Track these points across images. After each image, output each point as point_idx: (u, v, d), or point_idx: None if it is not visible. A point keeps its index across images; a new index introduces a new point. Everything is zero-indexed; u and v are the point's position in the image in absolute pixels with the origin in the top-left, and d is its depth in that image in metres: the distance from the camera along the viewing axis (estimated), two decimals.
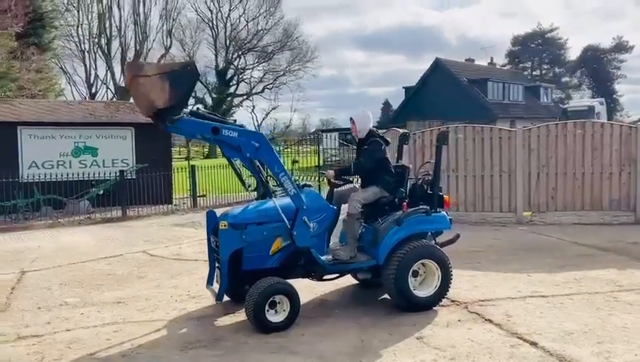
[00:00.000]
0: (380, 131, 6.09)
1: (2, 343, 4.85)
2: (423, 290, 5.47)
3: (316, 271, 5.45)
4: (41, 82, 18.37)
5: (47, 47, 19.42)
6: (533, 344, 4.50)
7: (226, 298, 5.39)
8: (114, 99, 32.19)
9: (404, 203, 5.52)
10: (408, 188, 5.89)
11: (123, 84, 45.21)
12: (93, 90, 46.85)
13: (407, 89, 41.59)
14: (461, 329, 4.91)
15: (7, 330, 5.18)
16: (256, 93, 51.77)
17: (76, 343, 4.77)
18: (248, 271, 5.15)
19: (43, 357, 4.48)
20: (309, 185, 5.72)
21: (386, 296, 5.61)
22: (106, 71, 46.73)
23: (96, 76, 47.18)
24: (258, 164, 5.42)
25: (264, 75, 51.16)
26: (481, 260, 7.53)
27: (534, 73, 60.54)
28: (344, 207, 5.67)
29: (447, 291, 5.54)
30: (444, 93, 35.23)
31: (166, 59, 48.48)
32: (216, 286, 5.26)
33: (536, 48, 60.68)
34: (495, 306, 5.51)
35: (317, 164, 16.87)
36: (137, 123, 15.42)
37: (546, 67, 62.22)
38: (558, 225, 10.21)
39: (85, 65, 46.12)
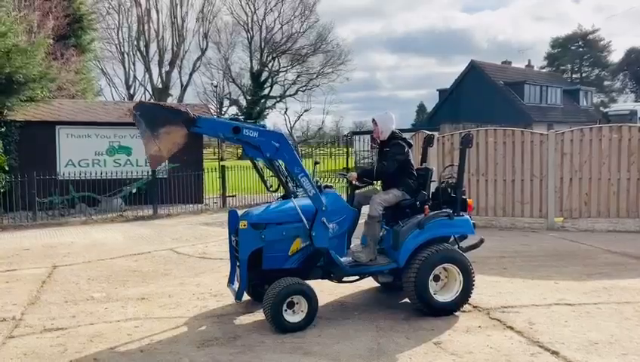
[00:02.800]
0: (407, 134, 6.04)
1: (29, 334, 5.01)
2: (444, 295, 5.38)
3: (335, 273, 5.42)
4: (80, 83, 18.91)
5: (86, 48, 19.93)
6: (555, 353, 4.38)
7: (246, 297, 5.44)
8: (151, 100, 32.95)
9: (426, 206, 5.45)
10: (431, 191, 5.82)
11: (160, 86, 46.28)
12: (132, 92, 48.10)
13: (441, 91, 41.16)
14: (481, 335, 4.81)
15: (35, 322, 5.35)
16: (289, 96, 52.04)
17: (98, 337, 4.88)
18: (268, 271, 5.18)
19: (65, 350, 4.61)
20: (330, 187, 5.72)
21: (407, 299, 5.55)
22: (144, 73, 47.88)
23: (135, 78, 48.40)
24: (279, 164, 5.43)
25: (297, 77, 51.38)
26: (508, 266, 7.37)
27: (574, 76, 58.94)
28: (365, 209, 5.64)
29: (469, 297, 5.45)
30: (479, 96, 34.70)
31: (202, 61, 49.31)
32: (236, 286, 5.31)
33: (577, 50, 59.09)
34: (518, 313, 5.38)
35: (345, 166, 16.83)
36: None
37: (586, 70, 60.46)
38: (590, 231, 9.91)
39: (124, 67, 47.43)
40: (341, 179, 6.69)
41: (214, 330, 5.04)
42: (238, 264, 5.28)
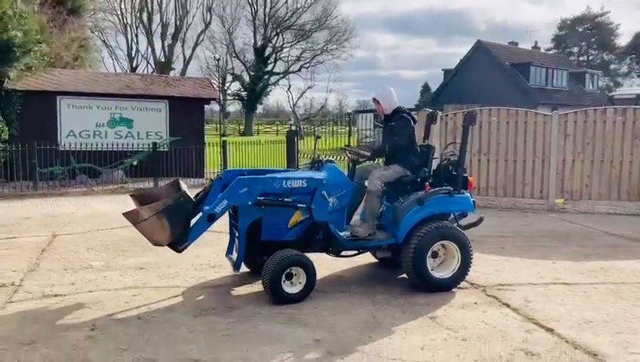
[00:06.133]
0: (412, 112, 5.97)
1: (28, 300, 5.05)
2: (441, 272, 5.39)
3: (334, 247, 5.42)
4: (78, 50, 18.71)
5: (83, 11, 19.65)
6: (549, 330, 4.40)
7: (244, 268, 5.46)
8: (154, 74, 32.74)
9: (427, 183, 5.43)
10: (432, 168, 5.79)
11: (163, 60, 45.92)
12: (134, 64, 47.72)
13: (446, 71, 40.81)
14: (476, 311, 4.83)
15: (34, 288, 5.38)
16: (292, 72, 51.61)
17: (96, 304, 4.92)
18: (266, 243, 5.19)
19: (64, 315, 4.64)
20: (332, 161, 5.69)
21: (405, 275, 5.57)
22: (147, 46, 47.44)
23: (137, 50, 47.99)
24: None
25: (301, 53, 50.88)
26: (506, 245, 7.38)
27: (581, 59, 58.35)
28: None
29: (467, 274, 5.46)
30: (485, 77, 34.41)
31: (205, 35, 48.86)
32: (235, 256, 5.33)
33: (585, 33, 58.37)
34: (514, 291, 5.40)
35: (347, 144, 16.78)
36: (171, 96, 15.70)
37: (593, 53, 59.86)
38: (591, 213, 9.91)
39: (127, 39, 46.96)
40: (343, 155, 6.64)
41: (211, 300, 5.07)
42: (237, 234, 5.29)
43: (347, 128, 18.97)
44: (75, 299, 5.09)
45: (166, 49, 47.65)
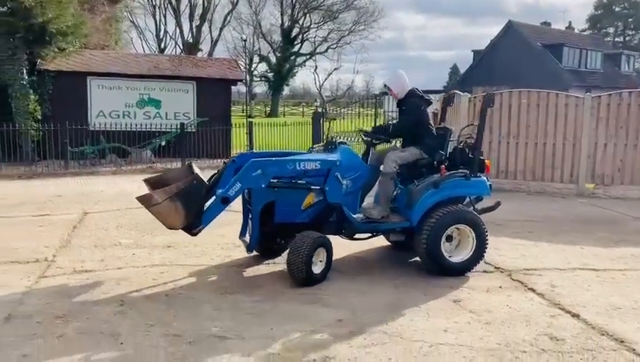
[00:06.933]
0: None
1: (59, 275, 5.21)
2: (456, 256, 5.31)
3: (347, 229, 5.35)
4: (109, 33, 18.97)
5: None
6: (575, 316, 4.35)
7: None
8: (181, 55, 32.96)
9: (443, 166, 5.35)
10: (449, 151, 5.68)
11: (191, 41, 46.11)
12: (163, 46, 48.04)
13: (475, 52, 40.00)
14: (501, 295, 4.80)
15: (66, 264, 5.55)
16: (319, 53, 51.20)
17: (125, 280, 5.04)
18: (280, 225, 5.17)
19: (94, 290, 4.78)
20: (344, 143, 5.58)
21: (417, 258, 5.53)
22: (175, 27, 47.67)
23: (166, 32, 48.26)
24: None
25: (328, 34, 50.40)
26: (534, 230, 7.28)
27: (617, 40, 56.48)
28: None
29: (482, 258, 5.38)
30: (515, 58, 33.60)
31: (232, 15, 48.81)
32: (248, 238, 5.32)
33: (621, 12, 56.42)
34: (541, 276, 5.34)
35: (375, 125, 16.65)
36: (199, 77, 15.79)
37: (630, 33, 57.86)
38: (622, 199, 9.67)
39: (155, 21, 47.21)
40: (357, 137, 6.46)
41: (236, 279, 5.16)
42: (250, 216, 5.28)
43: (373, 110, 18.81)
44: (104, 274, 5.23)
45: (194, 30, 47.80)
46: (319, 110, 19.54)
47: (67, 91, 14.29)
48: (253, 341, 3.79)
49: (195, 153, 14.05)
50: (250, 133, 15.38)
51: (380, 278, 5.20)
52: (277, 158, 5.16)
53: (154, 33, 47.88)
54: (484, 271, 5.45)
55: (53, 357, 3.53)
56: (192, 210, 4.77)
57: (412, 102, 5.52)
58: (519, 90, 10.56)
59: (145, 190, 5.08)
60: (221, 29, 49.44)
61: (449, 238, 5.31)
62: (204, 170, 12.92)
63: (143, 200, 4.79)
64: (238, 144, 15.75)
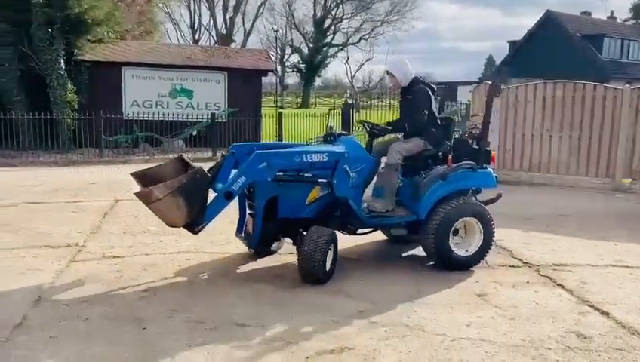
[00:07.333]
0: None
1: (89, 260, 5.34)
2: (462, 249, 5.16)
3: (353, 224, 5.13)
4: (144, 24, 19.30)
5: None
6: (605, 313, 4.21)
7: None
8: (214, 46, 33.25)
9: (450, 157, 5.18)
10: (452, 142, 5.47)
11: (224, 32, 46.48)
12: (197, 37, 48.60)
13: (511, 43, 39.10)
14: (527, 291, 4.69)
15: (96, 249, 5.68)
16: (352, 44, 51.03)
17: (152, 266, 5.13)
18: (283, 220, 4.92)
19: (121, 276, 4.88)
20: (345, 134, 5.41)
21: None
22: (209, 18, 48.14)
23: (200, 23, 48.78)
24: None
25: (361, 24, 50.14)
26: (565, 225, 7.09)
27: None
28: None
29: (488, 252, 5.24)
30: (553, 49, 32.69)
31: (265, 7, 48.94)
32: (244, 235, 5.17)
33: None
34: (571, 272, 5.20)
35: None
36: (230, 68, 15.91)
37: None
38: None
39: (190, 12, 47.80)
40: (360, 128, 6.23)
41: (260, 268, 5.18)
42: (248, 212, 5.08)
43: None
44: (132, 260, 5.33)
45: (227, 21, 48.20)
46: (349, 101, 19.46)
47: (102, 81, 14.62)
48: (273, 329, 3.81)
49: (225, 143, 14.16)
50: (279, 124, 15.44)
51: (404, 269, 5.15)
52: (283, 150, 4.93)
53: (188, 25, 48.53)
54: (512, 266, 5.33)
55: (77, 340, 3.62)
56: (195, 206, 4.42)
57: (420, 90, 5.26)
58: (554, 82, 10.27)
59: (135, 185, 4.69)
60: (254, 20, 49.78)
61: (455, 232, 5.14)
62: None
63: (142, 196, 4.34)
64: (268, 134, 15.83)
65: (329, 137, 5.28)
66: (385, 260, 5.51)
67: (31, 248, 5.66)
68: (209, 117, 14.57)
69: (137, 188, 4.56)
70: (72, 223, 6.74)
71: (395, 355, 3.48)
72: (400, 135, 5.50)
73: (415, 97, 5.25)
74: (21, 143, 13.33)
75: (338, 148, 5.01)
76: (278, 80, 47.57)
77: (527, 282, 4.91)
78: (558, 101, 9.99)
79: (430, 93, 5.28)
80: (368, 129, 5.47)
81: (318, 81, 58.11)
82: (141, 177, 4.81)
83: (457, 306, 4.31)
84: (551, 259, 5.56)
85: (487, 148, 5.42)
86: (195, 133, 14.83)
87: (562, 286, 4.80)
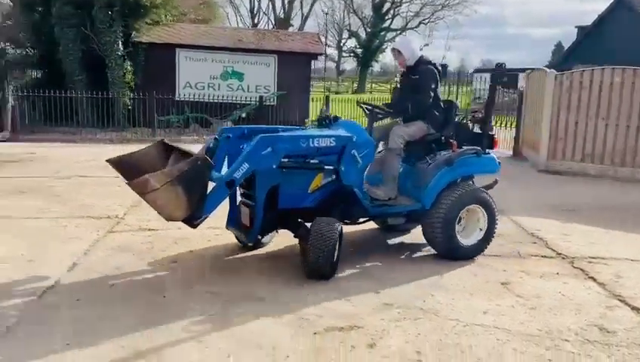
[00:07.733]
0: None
1: (125, 231, 5.60)
2: (466, 238, 4.96)
3: (357, 214, 4.85)
4: (202, 8, 19.70)
5: None
6: (635, 309, 4.02)
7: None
8: (267, 29, 33.56)
9: (454, 142, 4.98)
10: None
11: (282, 16, 46.72)
12: (256, 21, 49.10)
13: (580, 28, 37.19)
14: (555, 282, 4.53)
15: (133, 222, 5.94)
16: (410, 29, 49.95)
17: (183, 240, 5.31)
18: (283, 211, 4.54)
19: (152, 247, 5.09)
20: (340, 118, 5.05)
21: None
22: (268, 2, 48.48)
23: (259, 7, 49.23)
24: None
25: (421, 8, 48.97)
26: (609, 217, 6.74)
27: None
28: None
29: (491, 241, 5.04)
30: (625, 35, 30.82)
31: None
32: (235, 228, 4.83)
33: None
34: (606, 265, 4.97)
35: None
36: (280, 51, 16.01)
37: None
38: None
39: None
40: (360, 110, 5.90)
41: (283, 246, 5.20)
42: (242, 201, 4.69)
43: (460, 88, 18.15)
44: (165, 233, 5.53)
45: (286, 5, 48.37)
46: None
47: (157, 62, 15.08)
48: (287, 305, 3.87)
49: (273, 125, 14.33)
50: (326, 106, 15.44)
51: (428, 255, 5.08)
52: (288, 134, 4.51)
53: (248, 9, 49.09)
54: (544, 256, 5.16)
55: (100, 303, 3.83)
56: (195, 197, 3.94)
57: (427, 70, 5.04)
58: (612, 67, 9.72)
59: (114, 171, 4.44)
60: (312, 4, 49.60)
61: (459, 220, 4.91)
62: None
63: (136, 185, 3.80)
64: (315, 118, 15.87)
65: (324, 121, 4.96)
66: (401, 247, 5.42)
67: (75, 218, 5.99)
68: (257, 100, 14.76)
69: (119, 175, 4.15)
70: (116, 197, 7.04)
71: (402, 336, 3.47)
72: (399, 119, 5.28)
73: (422, 77, 5.03)
74: (80, 121, 13.99)
75: (343, 132, 4.67)
76: (324, 65, 47.41)
77: (557, 273, 4.74)
78: (616, 88, 9.46)
79: (436, 74, 5.10)
80: (368, 111, 5.12)
81: (376, 67, 57.49)
82: (117, 164, 4.47)
83: (477, 293, 4.23)
84: (587, 252, 5.34)
85: (490, 133, 5.23)
86: (244, 115, 15.08)
87: (594, 279, 4.61)
